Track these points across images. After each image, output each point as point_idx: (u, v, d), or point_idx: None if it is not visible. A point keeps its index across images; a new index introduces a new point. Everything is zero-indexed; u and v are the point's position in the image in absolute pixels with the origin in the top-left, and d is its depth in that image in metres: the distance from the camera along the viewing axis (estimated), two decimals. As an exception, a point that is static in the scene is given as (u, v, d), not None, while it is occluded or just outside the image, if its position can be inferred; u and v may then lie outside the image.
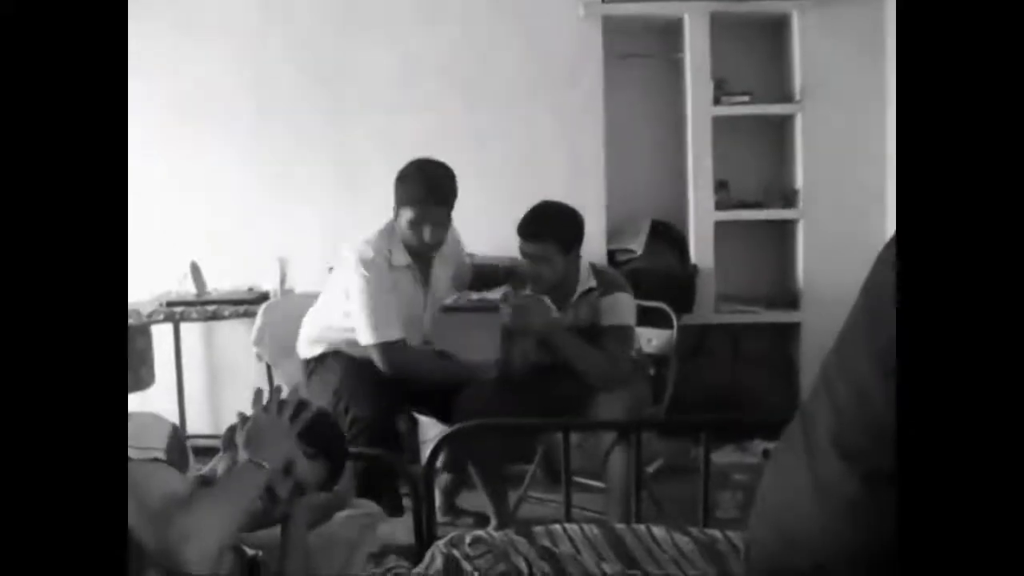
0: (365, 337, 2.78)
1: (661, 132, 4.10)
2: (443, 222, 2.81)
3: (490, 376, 2.85)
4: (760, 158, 4.13)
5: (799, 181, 3.92)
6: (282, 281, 3.65)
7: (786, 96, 3.95)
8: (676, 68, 4.01)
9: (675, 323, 3.17)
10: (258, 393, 1.67)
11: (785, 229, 4.08)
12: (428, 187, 2.75)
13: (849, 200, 3.90)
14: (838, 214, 3.87)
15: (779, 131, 4.10)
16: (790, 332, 3.98)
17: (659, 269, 3.78)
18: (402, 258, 2.84)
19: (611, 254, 3.90)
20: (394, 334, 2.78)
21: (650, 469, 3.29)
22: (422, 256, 2.88)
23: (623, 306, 2.76)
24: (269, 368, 3.37)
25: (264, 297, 3.60)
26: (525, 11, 3.93)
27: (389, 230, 2.84)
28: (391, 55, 3.91)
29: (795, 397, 3.74)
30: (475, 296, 3.56)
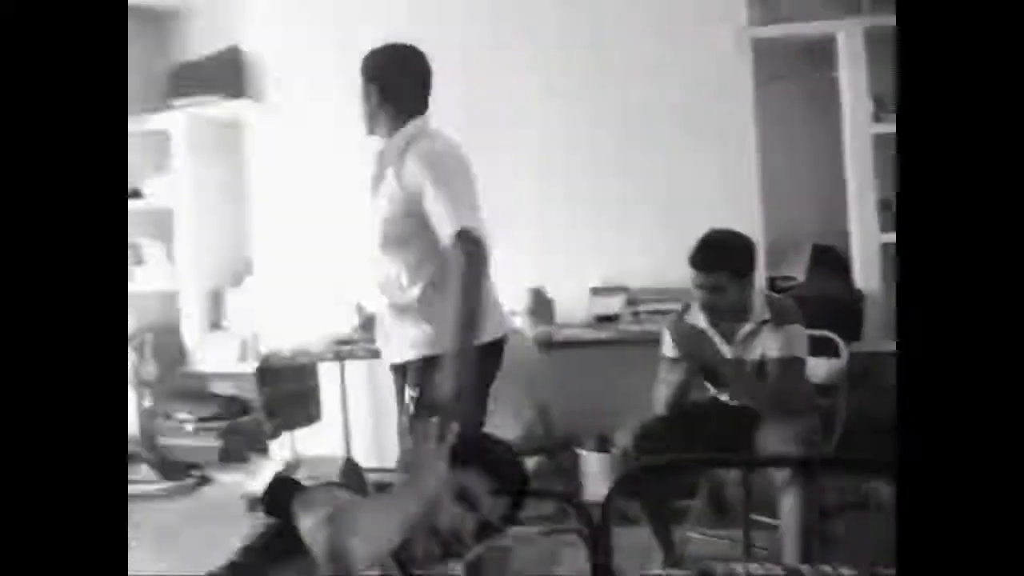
0: None
1: (818, 153, 3.97)
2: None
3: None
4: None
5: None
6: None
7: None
8: (831, 87, 3.87)
9: (844, 352, 3.04)
10: (411, 421, 1.72)
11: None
12: None
13: None
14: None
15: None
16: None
17: (823, 296, 3.64)
18: None
19: (771, 281, 3.78)
20: None
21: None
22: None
23: (796, 338, 2.67)
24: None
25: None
26: (673, 37, 3.90)
27: None
28: (532, 80, 3.90)
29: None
30: (635, 328, 3.46)
